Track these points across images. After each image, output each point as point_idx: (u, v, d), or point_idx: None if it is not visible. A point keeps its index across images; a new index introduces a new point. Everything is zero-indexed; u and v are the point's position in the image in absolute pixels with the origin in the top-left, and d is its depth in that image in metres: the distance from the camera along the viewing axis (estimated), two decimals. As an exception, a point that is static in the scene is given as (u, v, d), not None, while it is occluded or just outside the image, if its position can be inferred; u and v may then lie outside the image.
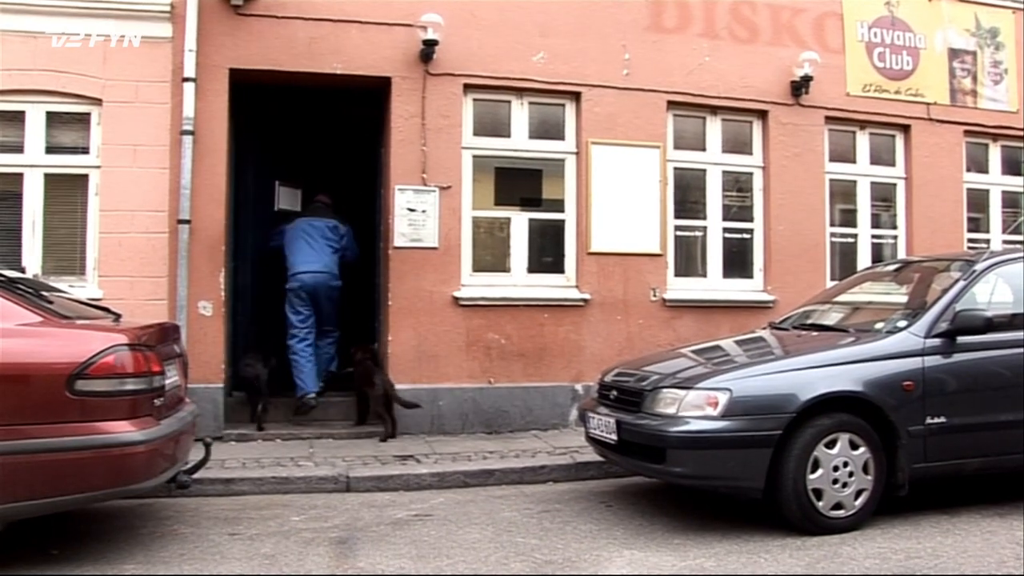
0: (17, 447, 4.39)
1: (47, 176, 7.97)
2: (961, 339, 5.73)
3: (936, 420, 5.55)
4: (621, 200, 8.98)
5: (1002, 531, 5.34)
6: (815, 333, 6.61)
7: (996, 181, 10.79)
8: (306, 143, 10.24)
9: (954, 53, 10.44)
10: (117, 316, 5.57)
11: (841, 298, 7.39)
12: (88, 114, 8.03)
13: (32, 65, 7.80)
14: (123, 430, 4.61)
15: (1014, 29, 10.69)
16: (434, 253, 8.52)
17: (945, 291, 6.00)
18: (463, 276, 8.66)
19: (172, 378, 5.32)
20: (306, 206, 9.47)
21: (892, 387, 5.52)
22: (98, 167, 7.98)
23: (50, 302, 5.12)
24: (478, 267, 8.81)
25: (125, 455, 4.62)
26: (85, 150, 8.05)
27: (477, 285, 8.71)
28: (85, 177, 8.03)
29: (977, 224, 10.70)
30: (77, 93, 7.94)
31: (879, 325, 6.17)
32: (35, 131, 7.94)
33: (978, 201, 10.68)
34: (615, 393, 6.14)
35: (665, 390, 5.63)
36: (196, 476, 5.73)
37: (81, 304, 5.77)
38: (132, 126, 7.96)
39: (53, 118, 8.02)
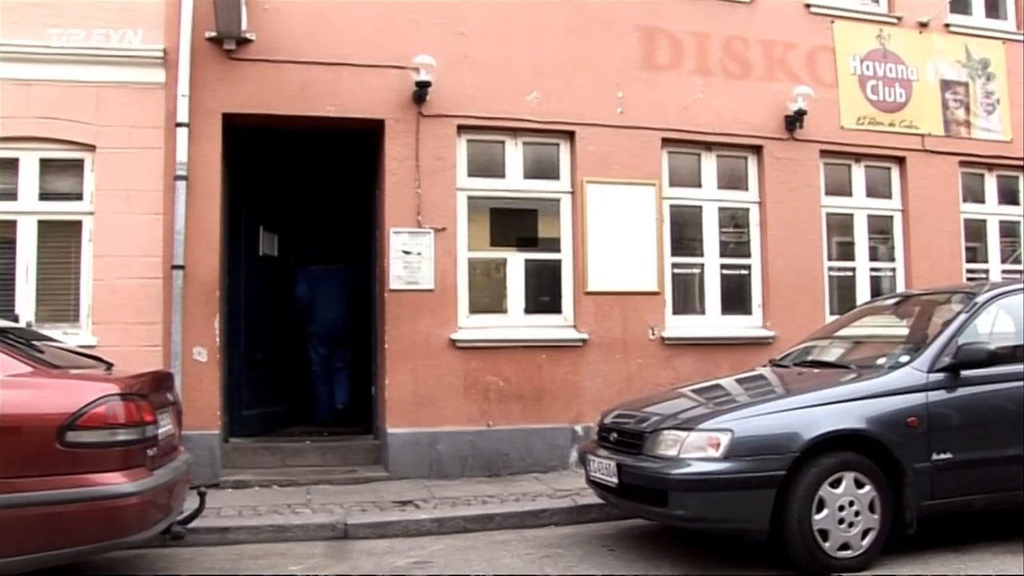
0: (6, 501, 4.31)
1: (40, 223, 7.92)
2: (965, 373, 5.67)
3: (942, 456, 5.48)
4: (617, 239, 8.94)
5: (1015, 568, 5.25)
6: (816, 370, 6.54)
7: (993, 211, 10.79)
8: (301, 186, 10.23)
9: (946, 84, 10.48)
10: (109, 365, 5.52)
11: (842, 333, 7.34)
12: (81, 160, 8.01)
13: (26, 112, 7.78)
14: (115, 482, 4.54)
15: (1004, 60, 10.75)
16: (430, 295, 8.46)
17: (947, 325, 5.95)
18: (460, 318, 8.59)
19: (165, 427, 5.25)
20: (296, 252, 9.53)
21: (896, 424, 5.45)
22: (91, 213, 7.94)
23: (40, 352, 5.08)
24: (475, 309, 8.75)
25: (117, 507, 4.55)
26: (79, 196, 8.01)
27: (474, 327, 8.64)
28: (79, 223, 7.98)
29: (975, 254, 10.68)
30: (70, 139, 7.93)
31: (881, 361, 6.10)
32: (28, 178, 7.92)
33: (976, 231, 10.68)
34: (615, 435, 6.05)
35: (666, 432, 5.55)
36: (191, 526, 5.64)
37: (73, 353, 5.73)
38: (125, 172, 7.94)
39: (47, 165, 7.99)
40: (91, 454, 4.53)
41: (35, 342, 5.28)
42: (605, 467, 5.90)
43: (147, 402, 4.88)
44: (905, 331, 6.77)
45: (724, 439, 5.25)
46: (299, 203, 10.22)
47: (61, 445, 4.45)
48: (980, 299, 6.07)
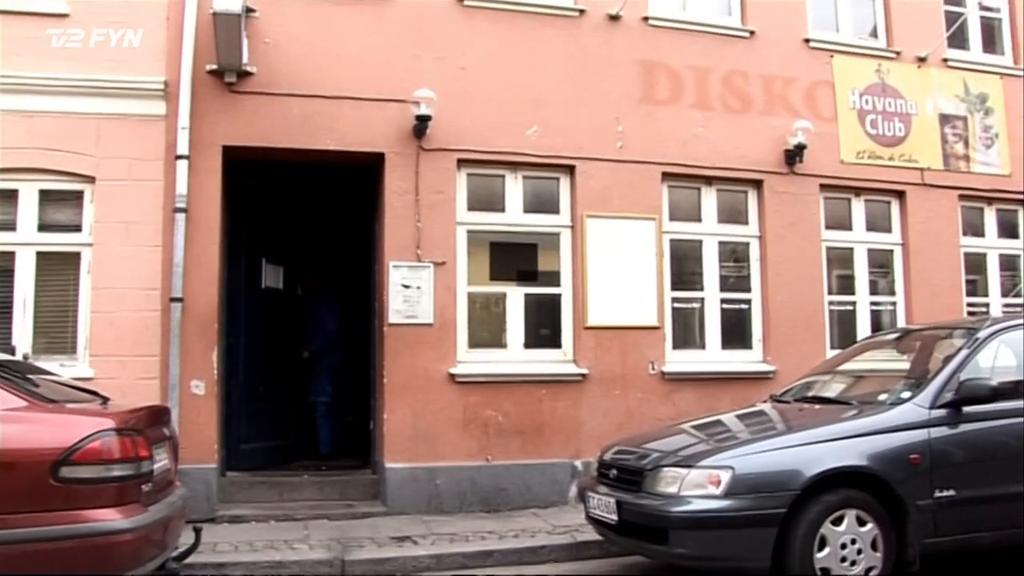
0: (-1, 537, 4.25)
1: (39, 254, 7.90)
2: (967, 409, 5.64)
3: (945, 493, 5.43)
4: (617, 273, 8.92)
5: (1020, 608, 5.19)
6: (817, 406, 6.50)
7: (993, 244, 10.79)
8: (301, 218, 10.22)
9: (945, 119, 10.51)
10: (105, 399, 5.48)
11: (843, 368, 7.31)
12: (81, 192, 8.00)
13: (26, 144, 7.78)
14: (109, 518, 4.49)
15: (1002, 94, 10.80)
16: (429, 330, 8.42)
17: (948, 360, 5.93)
18: (459, 353, 8.55)
19: (161, 462, 5.20)
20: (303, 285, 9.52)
21: (898, 460, 5.42)
22: (90, 245, 7.91)
23: (36, 385, 5.05)
24: (474, 343, 8.71)
25: (111, 544, 4.49)
26: (78, 228, 7.99)
27: (473, 361, 8.60)
28: (77, 255, 7.96)
29: (976, 288, 10.65)
30: (71, 171, 7.92)
31: (883, 397, 6.09)
32: (28, 209, 7.90)
33: (976, 265, 10.65)
34: (615, 472, 6.01)
35: (666, 469, 5.51)
36: (187, 562, 5.59)
37: (68, 387, 5.68)
38: (125, 204, 7.93)
39: (46, 196, 7.98)
40: (85, 490, 4.48)
41: (30, 375, 5.25)
42: (605, 504, 5.85)
43: (143, 437, 4.84)
44: (906, 367, 6.75)
45: (725, 476, 5.21)
46: (300, 235, 10.20)
47: (55, 481, 4.40)
48: (981, 334, 6.04)
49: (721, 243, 9.57)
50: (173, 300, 7.89)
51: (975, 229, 10.69)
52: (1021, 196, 10.72)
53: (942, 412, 5.62)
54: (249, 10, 8.11)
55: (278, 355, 9.69)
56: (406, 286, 8.41)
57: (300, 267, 10.20)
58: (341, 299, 10.70)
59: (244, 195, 8.97)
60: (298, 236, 10.17)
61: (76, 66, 7.91)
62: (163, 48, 8.16)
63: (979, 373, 5.79)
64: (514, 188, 8.95)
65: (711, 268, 9.48)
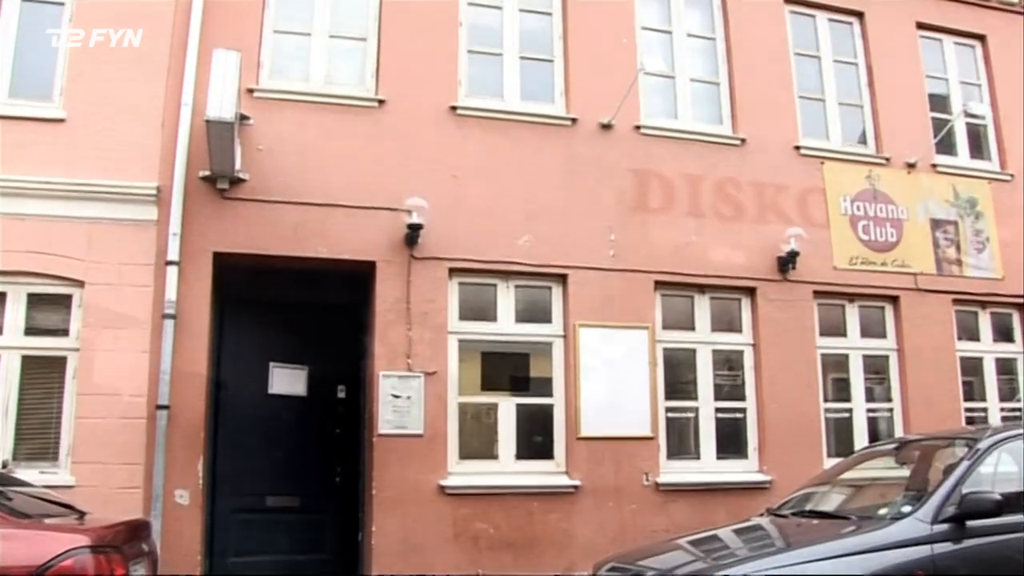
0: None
1: (24, 358, 7.80)
2: (971, 523, 5.46)
3: (953, 612, 5.24)
4: (610, 383, 8.85)
5: None
6: (816, 521, 6.34)
7: (988, 349, 10.72)
8: (295, 322, 10.10)
9: (936, 223, 10.57)
10: (82, 514, 5.38)
11: (841, 479, 7.18)
12: (70, 296, 7.92)
13: (16, 247, 7.74)
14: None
15: (991, 198, 10.89)
16: (419, 441, 8.29)
17: (949, 472, 5.78)
18: (450, 464, 8.41)
19: (139, 578, 5.06)
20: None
21: (903, 579, 5.24)
22: (77, 350, 7.81)
23: (9, 499, 4.97)
24: (465, 454, 8.58)
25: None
26: (65, 332, 7.90)
27: (464, 473, 8.45)
28: (63, 359, 7.85)
29: (973, 392, 10.53)
30: (60, 275, 7.86)
31: (883, 511, 5.93)
32: (15, 313, 7.83)
33: (972, 369, 10.56)
34: (610, 591, 5.83)
35: (662, 589, 5.35)
36: None
37: (45, 500, 5.55)
38: (113, 309, 7.86)
39: (34, 299, 7.91)
40: (59, 609, 4.32)
41: (5, 488, 5.13)
42: (600, 623, 5.68)
43: (119, 554, 4.75)
44: (906, 478, 6.61)
45: (722, 598, 5.04)
46: (295, 340, 10.07)
47: (27, 600, 4.25)
48: (982, 445, 5.91)
49: (715, 351, 9.51)
50: (159, 407, 7.77)
51: (970, 333, 10.65)
52: (1015, 300, 10.71)
53: (945, 527, 5.43)
54: (243, 117, 8.15)
55: (286, 463, 9.43)
56: (396, 396, 8.32)
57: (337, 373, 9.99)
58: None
59: (236, 297, 8.90)
60: (293, 339, 10.03)
61: (69, 170, 7.92)
62: (157, 154, 8.20)
63: (981, 485, 5.63)
64: (506, 297, 8.92)
65: (705, 377, 9.40)
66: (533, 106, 9.32)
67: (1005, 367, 10.77)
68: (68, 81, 8.16)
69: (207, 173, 8.18)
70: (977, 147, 11.26)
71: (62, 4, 8.36)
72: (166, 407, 7.78)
